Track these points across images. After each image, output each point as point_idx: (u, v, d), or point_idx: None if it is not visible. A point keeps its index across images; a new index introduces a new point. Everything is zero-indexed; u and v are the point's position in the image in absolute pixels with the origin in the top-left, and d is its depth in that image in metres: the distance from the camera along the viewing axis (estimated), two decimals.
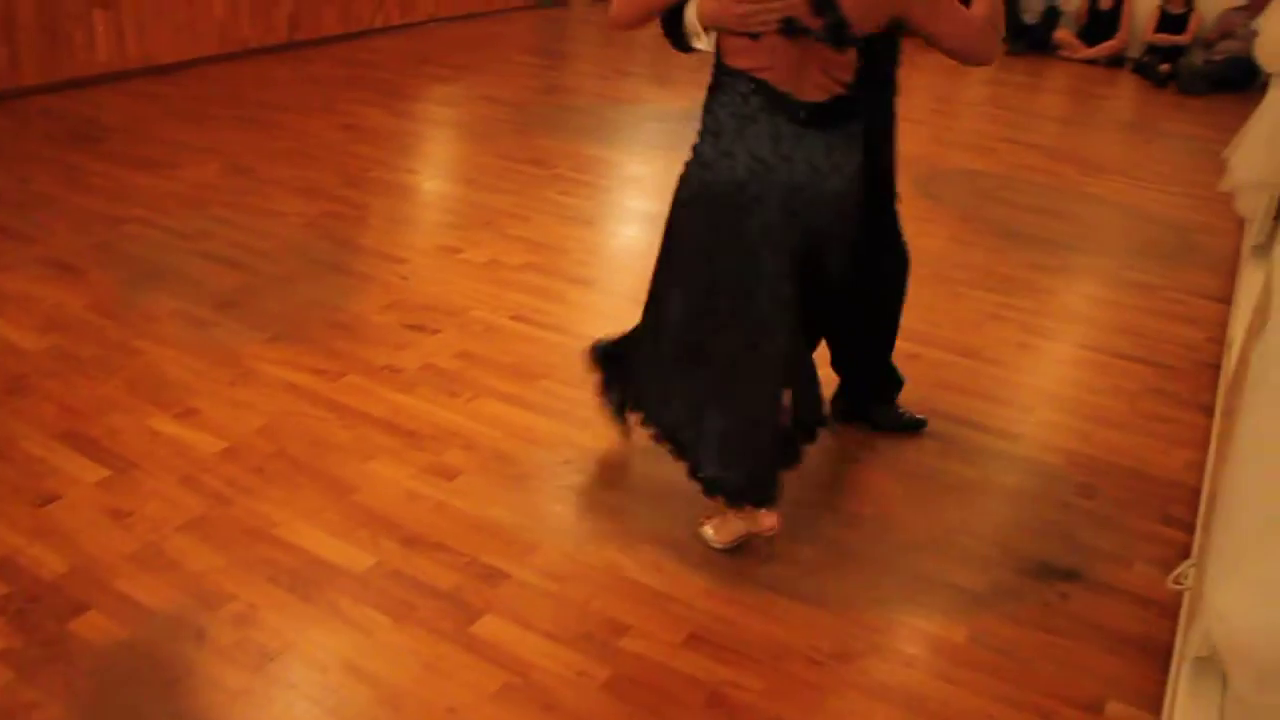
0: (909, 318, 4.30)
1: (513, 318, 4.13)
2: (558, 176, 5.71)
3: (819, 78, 2.57)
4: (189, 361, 3.67)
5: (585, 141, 6.36)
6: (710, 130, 2.66)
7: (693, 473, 2.87)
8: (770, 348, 2.71)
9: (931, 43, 2.60)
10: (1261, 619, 1.22)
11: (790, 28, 2.51)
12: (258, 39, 7.94)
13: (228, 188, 5.32)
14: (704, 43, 2.67)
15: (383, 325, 4.00)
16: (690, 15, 2.64)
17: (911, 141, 6.92)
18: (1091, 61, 10.47)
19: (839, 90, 2.60)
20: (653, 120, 7.07)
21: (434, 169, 6.02)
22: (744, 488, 2.83)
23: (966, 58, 2.66)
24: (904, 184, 5.95)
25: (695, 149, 2.71)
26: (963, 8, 2.63)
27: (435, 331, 3.97)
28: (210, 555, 2.78)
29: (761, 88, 2.57)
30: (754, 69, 2.57)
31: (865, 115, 2.69)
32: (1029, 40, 10.44)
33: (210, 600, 2.63)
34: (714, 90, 2.69)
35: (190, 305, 4.06)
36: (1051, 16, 10.53)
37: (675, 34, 2.73)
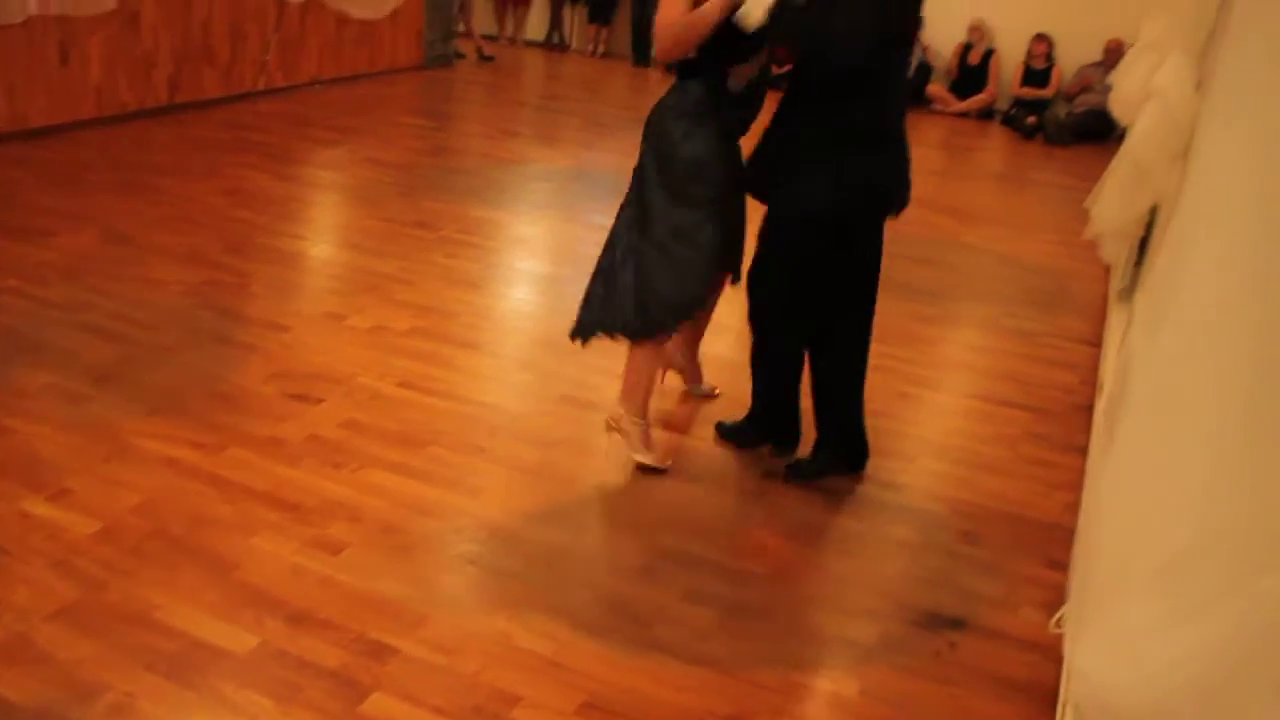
0: None
1: (399, 384, 4.06)
2: (444, 239, 5.68)
3: None
4: (62, 439, 3.53)
5: (472, 203, 6.34)
6: None
7: None
8: None
9: None
10: (1119, 676, 1.25)
11: None
12: (136, 101, 7.78)
13: (105, 256, 5.17)
14: (760, 10, 3.22)
15: (266, 396, 3.91)
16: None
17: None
18: (963, 114, 10.84)
19: None
20: (539, 180, 7.09)
21: (319, 234, 5.94)
22: None
23: None
24: None
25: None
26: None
27: (320, 401, 3.89)
28: (83, 644, 2.66)
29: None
30: None
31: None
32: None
33: (83, 692, 2.51)
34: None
35: (65, 379, 3.92)
36: (924, 72, 10.89)
37: (714, 50, 3.30)
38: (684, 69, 3.45)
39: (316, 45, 9.34)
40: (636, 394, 3.60)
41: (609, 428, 3.68)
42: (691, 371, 4.15)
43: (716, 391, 4.18)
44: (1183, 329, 1.41)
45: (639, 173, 3.51)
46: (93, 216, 5.68)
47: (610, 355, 4.41)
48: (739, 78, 3.42)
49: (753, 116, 3.52)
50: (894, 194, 3.40)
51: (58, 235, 5.38)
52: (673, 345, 3.93)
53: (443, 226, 5.87)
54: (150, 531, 3.09)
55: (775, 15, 3.18)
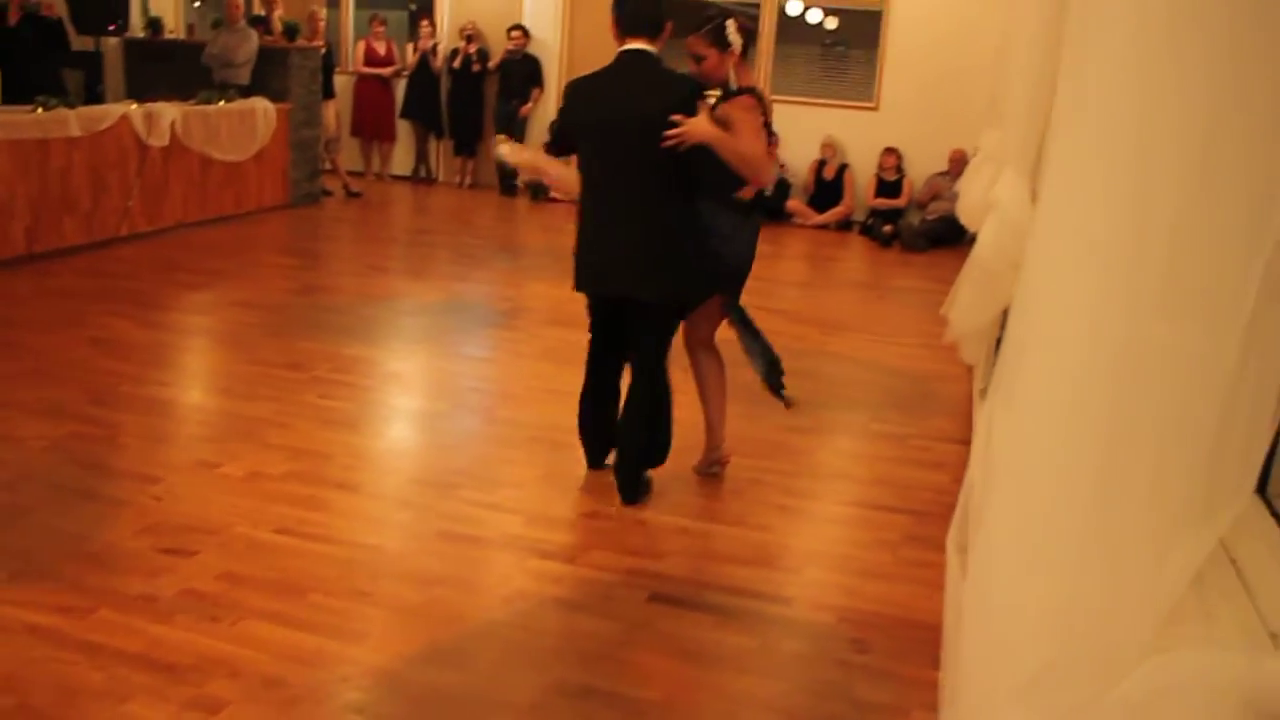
0: (674, 493, 4.37)
1: (277, 531, 3.96)
2: (317, 379, 5.61)
3: None
4: None
5: (344, 341, 6.29)
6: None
7: None
8: None
9: None
10: None
11: None
12: None
13: None
14: None
15: (136, 552, 3.76)
16: None
17: None
18: (823, 227, 11.23)
19: None
20: (411, 315, 7.08)
21: (189, 380, 5.82)
22: None
23: None
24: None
25: None
26: None
27: (194, 553, 3.76)
28: None
29: None
30: None
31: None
32: (765, 211, 11.09)
33: None
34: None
35: None
36: (783, 188, 11.27)
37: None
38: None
39: (180, 188, 9.25)
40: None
41: (716, 469, 4.59)
42: None
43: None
44: (1026, 430, 1.48)
45: None
46: None
47: (489, 487, 4.38)
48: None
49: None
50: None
51: None
52: None
53: (315, 367, 5.80)
54: (13, 706, 2.92)
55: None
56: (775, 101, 11.16)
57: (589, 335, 4.43)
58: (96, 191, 8.36)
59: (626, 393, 4.35)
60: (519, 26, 12.02)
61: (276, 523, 4.02)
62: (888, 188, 11.16)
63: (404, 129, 12.85)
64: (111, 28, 10.48)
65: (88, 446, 4.65)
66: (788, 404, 4.57)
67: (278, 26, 11.01)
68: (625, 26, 4.01)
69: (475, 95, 12.38)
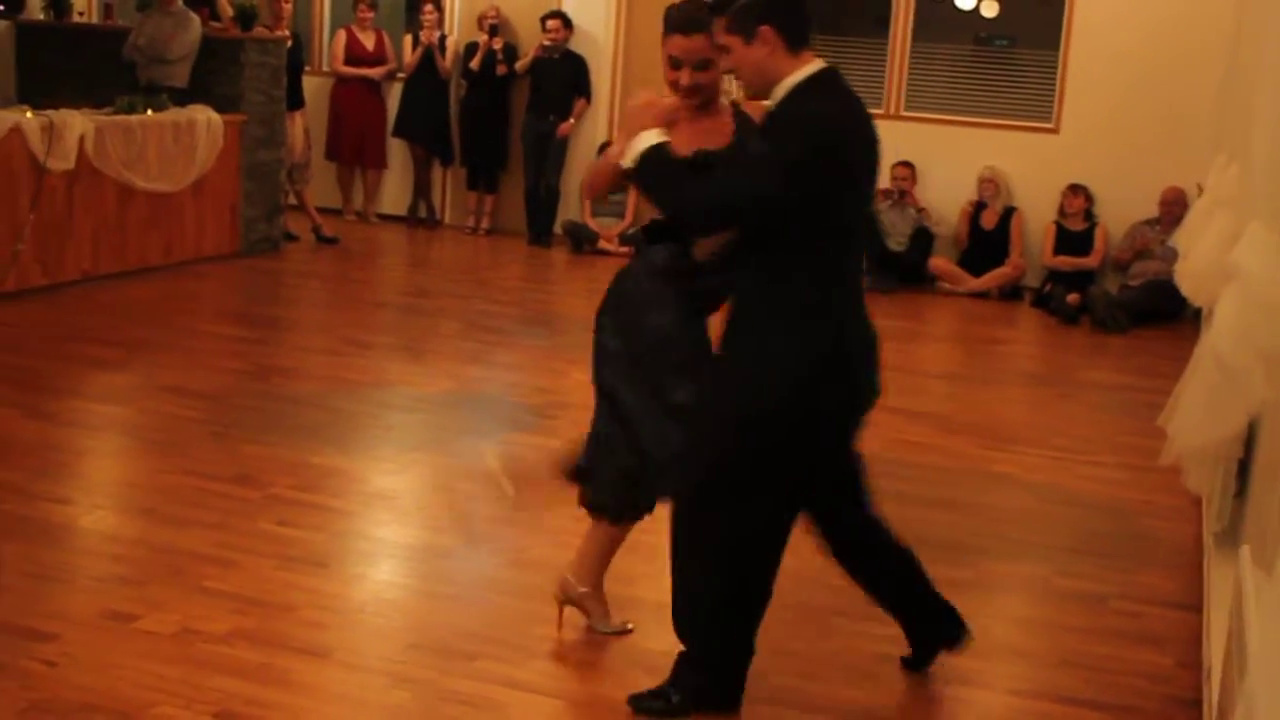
0: (776, 669, 4.32)
1: (216, 716, 3.94)
2: (274, 499, 5.64)
3: None
4: None
5: (312, 446, 6.34)
6: None
7: None
8: None
9: None
10: None
11: None
12: None
13: None
14: None
15: None
16: None
17: None
18: (981, 295, 11.21)
19: None
20: (404, 410, 7.13)
21: (94, 496, 5.86)
22: None
23: None
24: None
25: None
26: None
27: None
28: None
29: None
30: None
31: None
32: (898, 272, 11.12)
33: None
34: None
35: None
36: (923, 241, 11.29)
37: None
38: (651, 233, 4.29)
39: (90, 229, 9.47)
40: (600, 565, 4.58)
41: (560, 600, 4.59)
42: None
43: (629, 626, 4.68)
44: None
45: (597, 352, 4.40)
46: None
47: (515, 658, 4.36)
48: (701, 248, 4.16)
49: (722, 290, 4.14)
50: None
51: None
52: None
53: (272, 482, 5.83)
54: None
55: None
56: (910, 119, 11.19)
57: (773, 506, 4.10)
58: None
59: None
60: (558, 14, 12.25)
61: (216, 702, 3.99)
62: (1073, 241, 11.15)
63: (398, 152, 13.10)
64: (1, 7, 10.83)
65: None
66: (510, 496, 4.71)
67: (227, 10, 11.34)
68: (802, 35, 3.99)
69: (498, 107, 12.59)
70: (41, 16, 11.65)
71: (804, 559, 5.32)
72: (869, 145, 4.00)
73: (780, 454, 3.93)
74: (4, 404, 6.70)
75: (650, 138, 3.98)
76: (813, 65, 3.92)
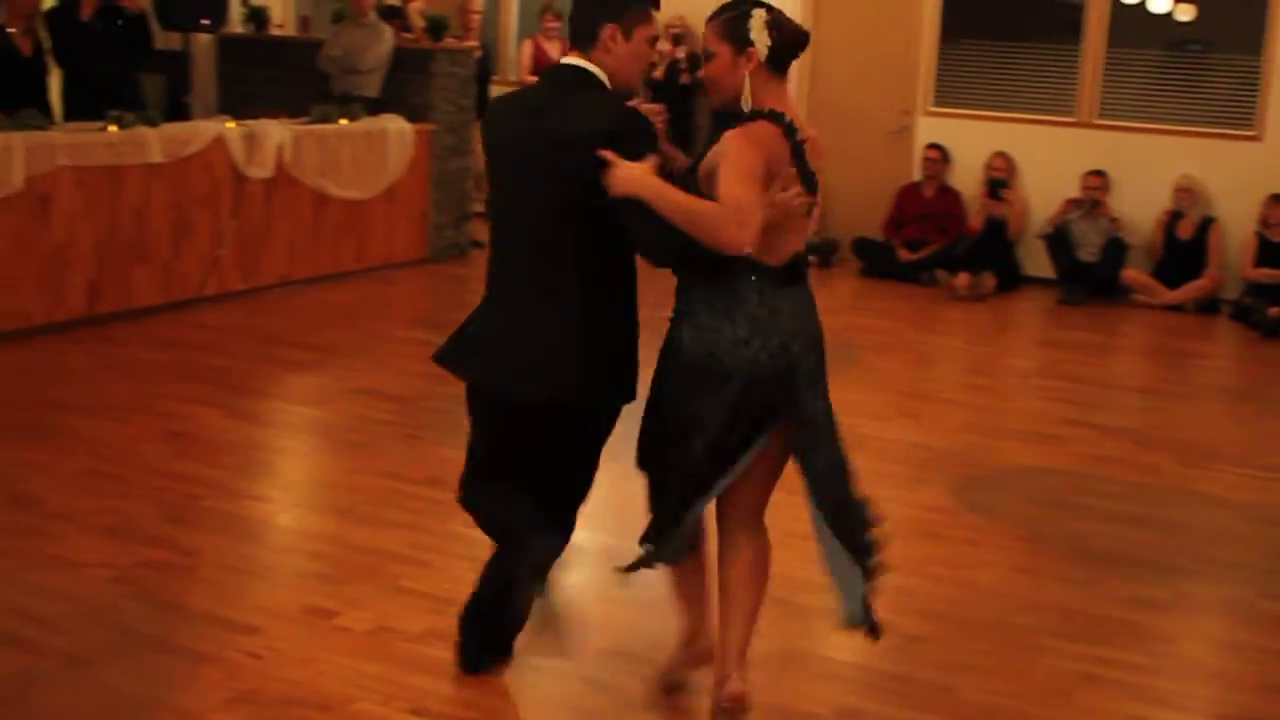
0: (964, 685, 4.27)
1: (413, 712, 4.02)
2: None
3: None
4: None
5: None
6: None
7: None
8: None
9: None
10: None
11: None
12: (43, 314, 8.08)
13: (1, 526, 5.25)
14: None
15: None
16: None
17: (943, 430, 7.12)
18: (1177, 307, 10.93)
19: None
20: None
21: (293, 495, 6.03)
22: None
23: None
24: (938, 492, 6.09)
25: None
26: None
27: None
28: None
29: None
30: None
31: None
32: (1089, 284, 10.90)
33: None
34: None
35: None
36: (1116, 251, 11.05)
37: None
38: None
39: (286, 235, 9.73)
40: None
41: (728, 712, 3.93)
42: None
43: None
44: None
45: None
46: None
47: (706, 670, 4.36)
48: None
49: None
50: None
51: None
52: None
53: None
54: None
55: None
56: (1103, 127, 10.95)
57: None
58: (178, 236, 8.88)
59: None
60: None
61: (414, 700, 4.08)
62: (1275, 252, 10.81)
63: None
64: (205, 22, 11.18)
65: (161, 580, 4.84)
66: (876, 634, 4.04)
67: (418, 22, 11.57)
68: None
69: (683, 114, 12.63)
70: (242, 30, 12.00)
71: (1005, 577, 5.28)
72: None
73: None
74: (206, 404, 6.90)
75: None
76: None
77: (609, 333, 4.12)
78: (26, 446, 6.16)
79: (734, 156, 3.72)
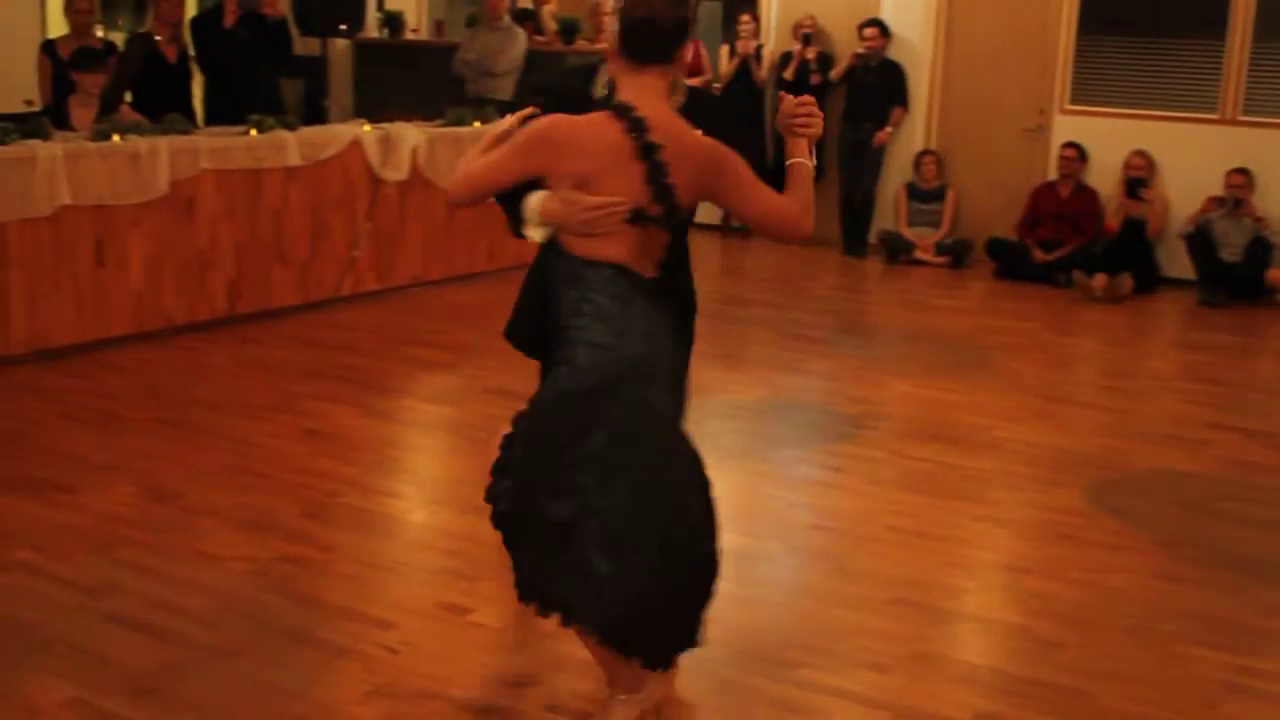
0: (1104, 692, 4.20)
1: (548, 707, 4.06)
2: None
3: (653, 256, 3.74)
4: None
5: None
6: (597, 316, 3.63)
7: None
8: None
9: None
10: None
11: (638, 217, 3.62)
12: (185, 313, 8.27)
13: (144, 521, 5.38)
14: (539, 235, 3.73)
15: None
16: (531, 204, 3.69)
17: (1079, 433, 7.01)
18: None
19: (662, 265, 3.78)
20: (721, 417, 7.17)
21: (427, 493, 6.10)
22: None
23: (776, 238, 3.90)
24: (1075, 495, 6.00)
25: (585, 338, 3.63)
26: (770, 192, 3.73)
27: None
28: None
29: (623, 271, 3.65)
30: (610, 257, 3.64)
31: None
32: (1231, 285, 10.65)
33: None
34: (573, 280, 3.68)
35: (91, 692, 4.03)
36: (1260, 251, 10.77)
37: (513, 214, 3.77)
38: None
39: (420, 236, 9.85)
40: None
41: None
42: None
43: None
44: None
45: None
46: (127, 466, 5.97)
47: (838, 668, 4.34)
48: None
49: None
50: None
51: (82, 491, 5.65)
52: None
53: None
54: None
55: None
56: (1248, 124, 10.65)
57: None
58: (315, 238, 9.03)
59: None
60: (875, 22, 12.17)
61: (547, 696, 4.12)
62: None
63: None
64: (343, 27, 11.35)
65: (299, 574, 4.93)
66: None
67: (551, 25, 11.66)
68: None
69: None
70: (377, 35, 12.17)
71: (1145, 582, 5.19)
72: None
73: None
74: (342, 402, 7.01)
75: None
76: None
77: None
78: (169, 443, 6.31)
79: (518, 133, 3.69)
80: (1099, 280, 10.63)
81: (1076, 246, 11.13)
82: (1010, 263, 11.39)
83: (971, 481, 6.23)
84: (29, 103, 9.32)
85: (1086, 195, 11.37)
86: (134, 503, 5.57)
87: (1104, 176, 11.39)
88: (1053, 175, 11.57)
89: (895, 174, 12.26)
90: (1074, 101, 11.71)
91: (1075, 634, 4.68)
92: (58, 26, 10.51)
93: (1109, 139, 11.37)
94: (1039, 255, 11.24)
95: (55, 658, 4.24)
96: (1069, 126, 11.64)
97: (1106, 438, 7.03)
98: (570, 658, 4.29)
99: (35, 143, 7.46)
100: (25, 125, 7.64)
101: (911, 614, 4.80)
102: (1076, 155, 11.38)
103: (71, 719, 3.91)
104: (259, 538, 5.22)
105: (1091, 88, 11.67)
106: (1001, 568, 5.34)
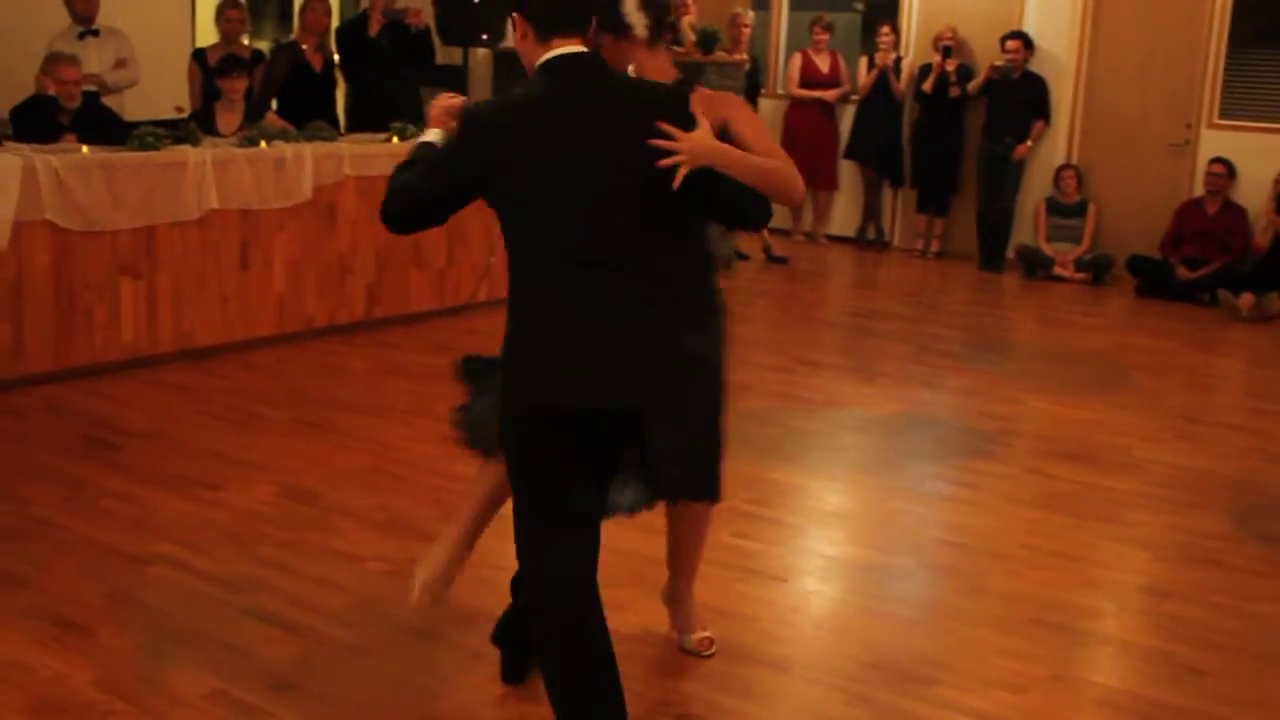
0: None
1: (679, 716, 4.08)
2: (732, 511, 5.71)
3: None
4: None
5: (766, 462, 6.43)
6: None
7: None
8: None
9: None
10: None
11: None
12: (326, 316, 8.43)
13: (284, 518, 5.49)
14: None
15: None
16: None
17: (1222, 455, 6.87)
18: None
19: None
20: (855, 430, 7.16)
21: None
22: None
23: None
24: (1219, 519, 5.89)
25: None
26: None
27: None
28: None
29: None
30: None
31: None
32: None
33: None
34: None
35: (232, 684, 4.13)
36: None
37: None
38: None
39: None
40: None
41: None
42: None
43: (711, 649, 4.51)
44: None
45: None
46: (267, 464, 6.10)
47: (975, 687, 4.30)
48: None
49: None
50: None
51: (223, 489, 5.78)
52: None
53: (730, 495, 5.88)
54: None
55: None
56: None
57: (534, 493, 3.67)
58: (452, 245, 9.14)
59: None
60: (1019, 35, 12.02)
61: (679, 704, 4.13)
62: None
63: (849, 174, 13.18)
64: (484, 37, 11.47)
65: None
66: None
67: (689, 35, 11.64)
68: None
69: (952, 129, 12.47)
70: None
71: None
72: (542, 139, 3.50)
73: None
74: None
75: (428, 135, 3.87)
76: (553, 52, 3.55)
77: None
78: (308, 443, 6.43)
79: (751, 119, 3.98)
80: (1245, 299, 10.40)
81: (1222, 265, 10.90)
82: (1153, 280, 11.18)
83: (1110, 502, 6.13)
84: (179, 109, 9.55)
85: (1234, 212, 11.12)
86: (274, 501, 5.68)
87: (1253, 193, 11.13)
88: (1199, 191, 11.34)
89: (1035, 188, 12.09)
90: (1223, 116, 11.47)
91: (1218, 661, 4.59)
92: (206, 35, 10.75)
93: (1259, 154, 11.11)
94: (1183, 273, 11.02)
95: (197, 650, 4.35)
96: (1217, 141, 11.39)
97: (1251, 460, 6.88)
98: (696, 666, 4.31)
99: (185, 148, 7.67)
100: (176, 131, 7.84)
101: (1048, 635, 4.74)
102: (1225, 171, 11.14)
103: (213, 710, 4.00)
104: (395, 539, 5.30)
105: (1241, 102, 11.42)
106: (1142, 590, 5.25)
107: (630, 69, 4.09)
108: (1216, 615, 4.95)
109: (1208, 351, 9.68)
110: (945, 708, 4.18)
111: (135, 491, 5.70)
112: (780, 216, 12.61)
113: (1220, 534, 5.77)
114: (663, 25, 4.14)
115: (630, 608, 4.76)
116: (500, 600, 4.76)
